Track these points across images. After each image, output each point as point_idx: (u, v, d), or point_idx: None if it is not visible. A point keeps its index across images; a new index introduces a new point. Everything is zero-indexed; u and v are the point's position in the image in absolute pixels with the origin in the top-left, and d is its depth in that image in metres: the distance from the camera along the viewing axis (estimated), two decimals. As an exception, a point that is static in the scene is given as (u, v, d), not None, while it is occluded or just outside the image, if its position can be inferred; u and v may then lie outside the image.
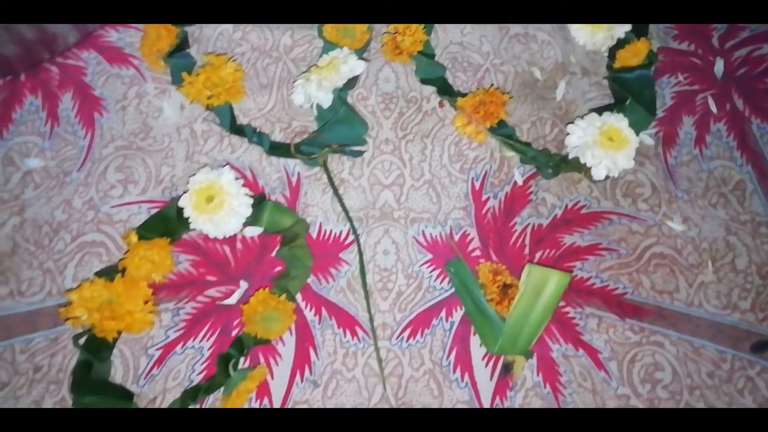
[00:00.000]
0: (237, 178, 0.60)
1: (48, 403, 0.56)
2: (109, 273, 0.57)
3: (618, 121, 0.61)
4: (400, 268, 0.63)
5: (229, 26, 0.70)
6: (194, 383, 0.58)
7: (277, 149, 0.64)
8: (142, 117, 0.67)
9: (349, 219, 0.62)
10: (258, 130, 0.65)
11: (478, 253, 0.64)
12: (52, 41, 0.66)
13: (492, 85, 0.69)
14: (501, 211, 0.65)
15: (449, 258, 0.62)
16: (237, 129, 0.64)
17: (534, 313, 0.58)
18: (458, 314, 0.61)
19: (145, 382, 0.58)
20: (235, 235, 0.62)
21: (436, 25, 0.71)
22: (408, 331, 0.61)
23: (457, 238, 0.64)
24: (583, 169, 0.64)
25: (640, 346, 0.61)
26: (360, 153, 0.65)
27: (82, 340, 0.56)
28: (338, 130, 0.63)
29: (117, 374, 0.58)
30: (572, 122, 0.63)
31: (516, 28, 0.72)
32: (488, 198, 0.66)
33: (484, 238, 0.64)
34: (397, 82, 0.69)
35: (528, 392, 0.59)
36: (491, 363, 0.60)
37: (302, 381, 0.59)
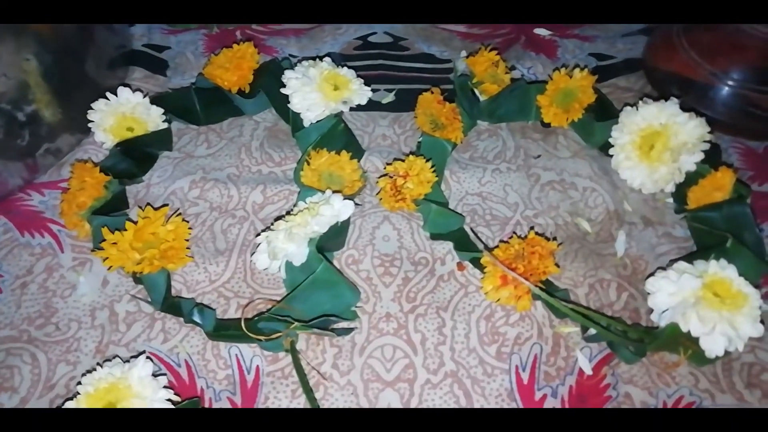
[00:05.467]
0: (157, 375, 0.39)
1: None
2: None
3: (723, 269, 0.42)
4: None
5: (185, 183, 0.55)
6: None
7: (224, 330, 0.44)
8: (46, 297, 0.48)
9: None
10: (200, 304, 0.45)
11: (540, 488, 0.39)
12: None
13: (532, 229, 0.51)
14: (567, 416, 0.42)
15: (495, 499, 0.38)
16: (170, 305, 0.45)
17: None
18: None
19: None
20: (146, 470, 0.39)
21: (446, 173, 0.56)
22: None
23: (504, 463, 0.40)
24: (681, 346, 0.42)
25: None
26: (348, 331, 0.45)
27: None
28: (315, 299, 0.43)
29: None
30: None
31: (548, 175, 0.57)
32: (544, 396, 0.43)
33: (547, 463, 0.40)
34: (400, 241, 0.51)
35: None
36: None
37: None
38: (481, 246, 0.49)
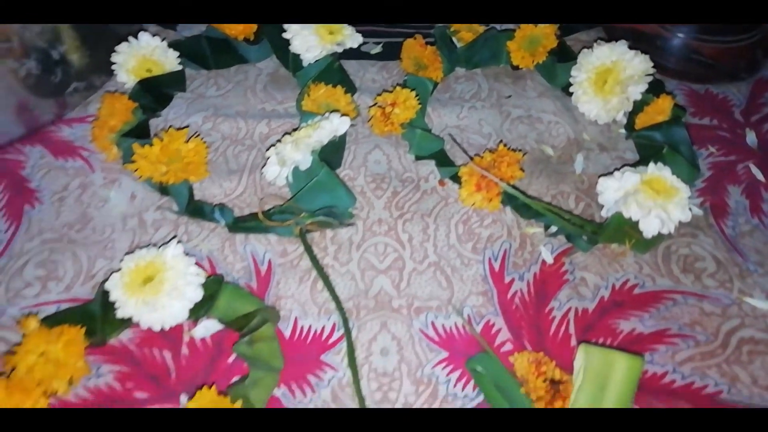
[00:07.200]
0: (188, 254, 0.47)
1: None
2: (-9, 383, 0.40)
3: (660, 170, 0.50)
4: (405, 372, 0.46)
5: (199, 117, 0.62)
6: None
7: (242, 223, 0.51)
8: (82, 208, 0.55)
9: (335, 299, 0.47)
10: (220, 204, 0.53)
11: (509, 346, 0.47)
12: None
13: (501, 142, 0.59)
14: (531, 295, 0.50)
15: (471, 354, 0.46)
16: (194, 208, 0.53)
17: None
18: None
19: None
20: (180, 333, 0.46)
21: (429, 110, 0.64)
22: (423, 460, 0.41)
23: (479, 329, 0.48)
24: (626, 236, 0.51)
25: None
26: (347, 224, 0.52)
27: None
28: (318, 200, 0.51)
29: None
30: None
31: (517, 111, 0.65)
32: (513, 280, 0.51)
33: (514, 328, 0.48)
34: (389, 164, 0.59)
35: None
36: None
37: None
38: (464, 157, 0.57)
